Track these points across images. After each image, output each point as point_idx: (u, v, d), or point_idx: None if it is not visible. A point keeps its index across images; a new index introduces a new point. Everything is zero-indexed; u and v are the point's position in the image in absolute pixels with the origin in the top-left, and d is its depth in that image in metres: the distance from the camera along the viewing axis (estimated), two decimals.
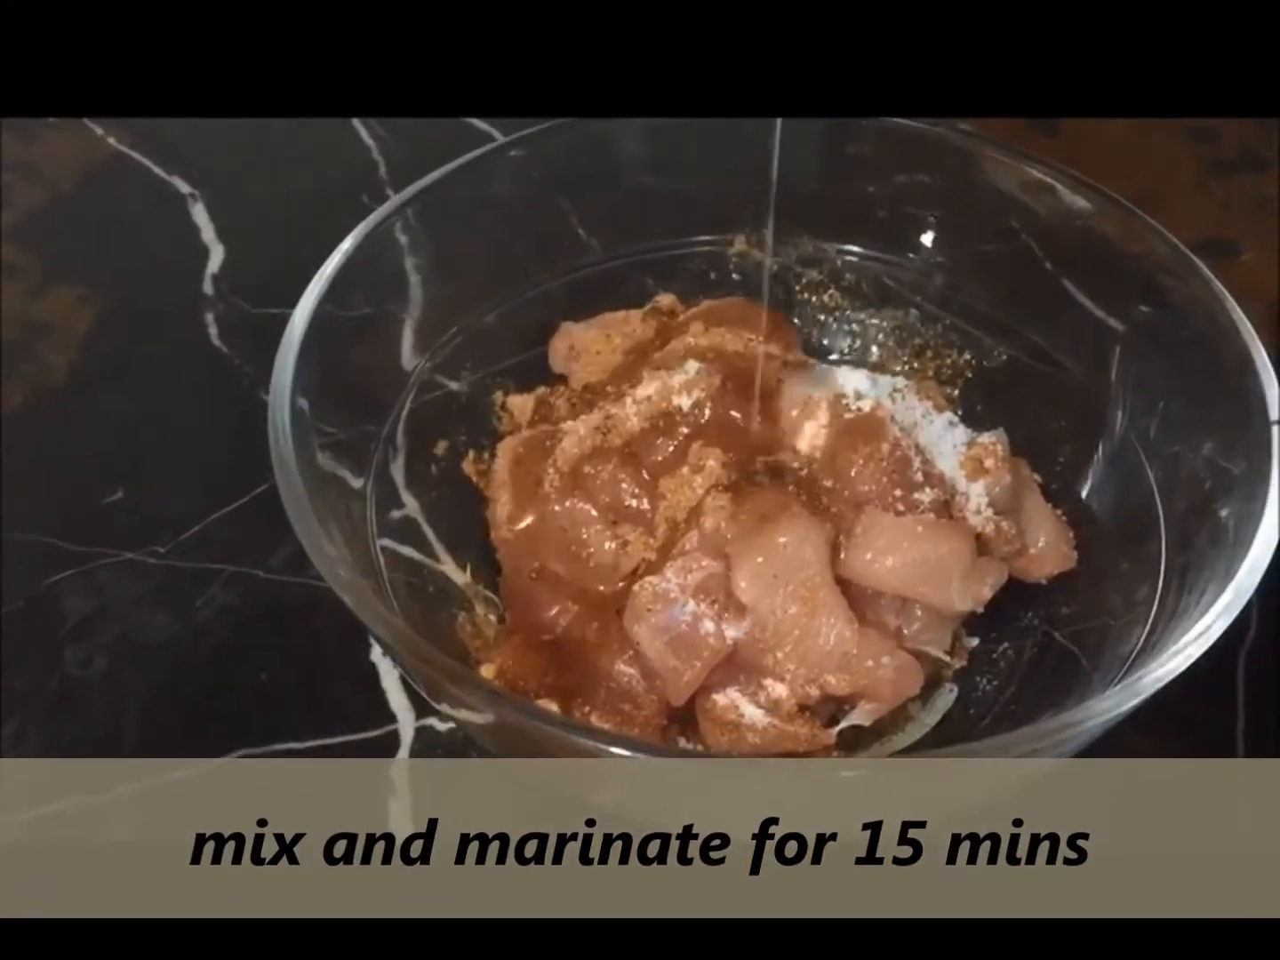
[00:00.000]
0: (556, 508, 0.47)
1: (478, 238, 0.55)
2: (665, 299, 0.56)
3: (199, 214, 0.71)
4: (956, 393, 0.55)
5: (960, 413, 0.52)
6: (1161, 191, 0.71)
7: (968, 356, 0.56)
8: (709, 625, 0.42)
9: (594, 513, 0.46)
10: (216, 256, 0.68)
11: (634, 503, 0.46)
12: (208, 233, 0.69)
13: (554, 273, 0.57)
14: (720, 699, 0.43)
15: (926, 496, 0.45)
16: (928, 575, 0.43)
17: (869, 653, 0.42)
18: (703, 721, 0.43)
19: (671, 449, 0.46)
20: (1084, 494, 0.50)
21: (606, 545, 0.46)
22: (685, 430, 0.46)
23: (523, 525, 0.47)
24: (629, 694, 0.43)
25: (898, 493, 0.45)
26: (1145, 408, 0.48)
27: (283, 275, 0.49)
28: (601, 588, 0.45)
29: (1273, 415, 0.42)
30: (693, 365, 0.48)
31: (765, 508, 0.43)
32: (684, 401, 0.47)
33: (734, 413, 0.47)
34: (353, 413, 0.49)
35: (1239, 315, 0.45)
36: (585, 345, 0.53)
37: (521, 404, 0.53)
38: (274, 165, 0.74)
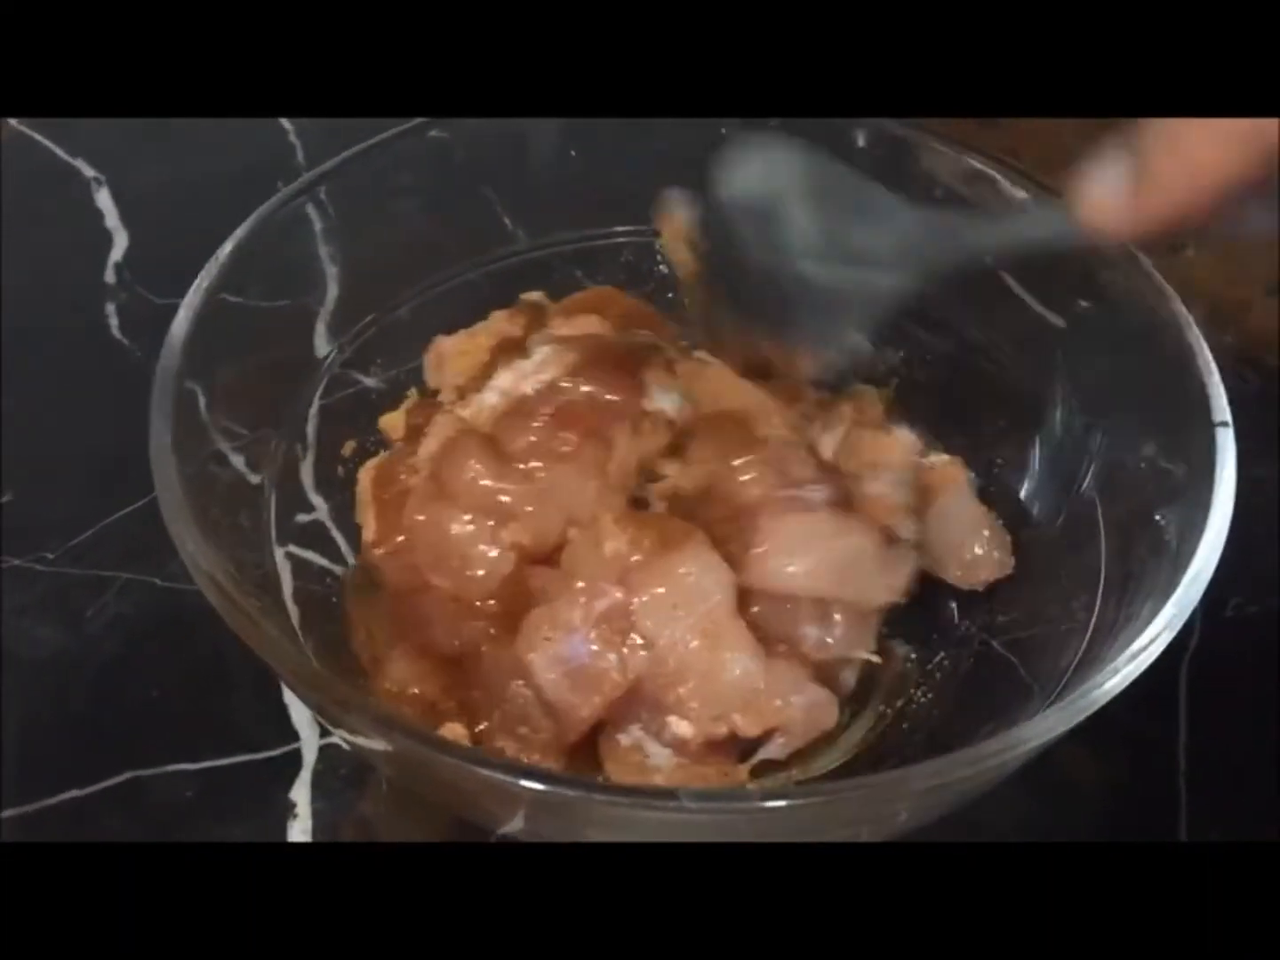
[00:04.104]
0: (421, 517, 0.43)
1: (394, 223, 0.52)
2: (533, 295, 0.53)
3: (102, 199, 0.67)
4: (891, 391, 0.53)
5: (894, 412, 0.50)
6: None
7: (902, 354, 0.53)
8: (610, 658, 0.39)
9: (462, 515, 0.43)
10: (120, 244, 0.64)
11: (503, 497, 0.42)
12: (111, 218, 0.66)
13: (476, 262, 0.54)
14: (624, 739, 0.40)
15: (821, 493, 0.43)
16: (841, 571, 0.41)
17: (778, 690, 0.39)
18: (607, 762, 0.41)
19: (533, 433, 0.43)
20: (1022, 496, 0.48)
21: (481, 549, 0.42)
22: (546, 412, 0.43)
23: (393, 545, 0.44)
24: (525, 717, 0.40)
25: (790, 492, 0.42)
26: (1086, 407, 0.47)
27: (190, 264, 0.45)
28: (485, 599, 0.42)
29: (1216, 417, 0.40)
30: (547, 349, 0.46)
31: (666, 533, 0.41)
32: (539, 382, 0.44)
33: (598, 389, 0.44)
34: (255, 408, 0.46)
35: (1183, 312, 0.43)
36: (450, 351, 0.50)
37: (392, 422, 0.50)
38: (183, 148, 0.70)
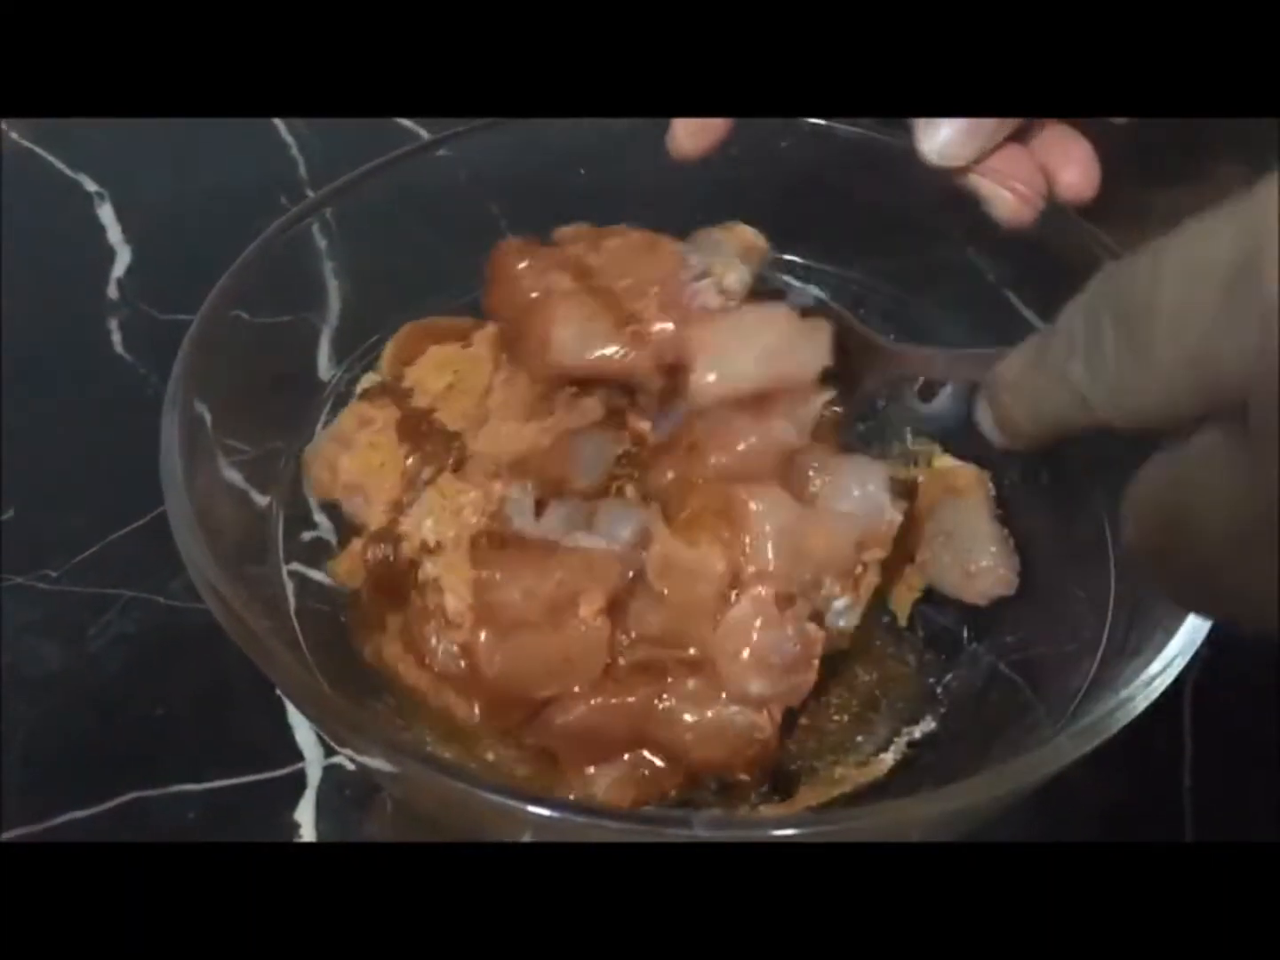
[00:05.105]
0: (499, 658, 0.40)
1: (401, 241, 0.52)
2: (371, 376, 0.50)
3: (105, 214, 0.67)
4: None
5: None
6: (1102, 201, 0.70)
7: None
8: (807, 627, 0.40)
9: (542, 626, 0.40)
10: (123, 259, 0.64)
11: (555, 587, 0.40)
12: (114, 234, 0.66)
13: (482, 279, 0.54)
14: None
15: None
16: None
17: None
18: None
19: None
20: (1030, 516, 0.48)
21: (575, 631, 0.40)
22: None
23: (486, 698, 0.41)
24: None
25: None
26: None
27: (193, 280, 0.46)
28: (601, 668, 0.40)
29: None
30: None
31: (715, 505, 0.41)
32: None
33: None
34: (263, 426, 0.46)
35: None
36: (350, 472, 0.46)
37: (349, 569, 0.45)
38: (186, 163, 0.70)
